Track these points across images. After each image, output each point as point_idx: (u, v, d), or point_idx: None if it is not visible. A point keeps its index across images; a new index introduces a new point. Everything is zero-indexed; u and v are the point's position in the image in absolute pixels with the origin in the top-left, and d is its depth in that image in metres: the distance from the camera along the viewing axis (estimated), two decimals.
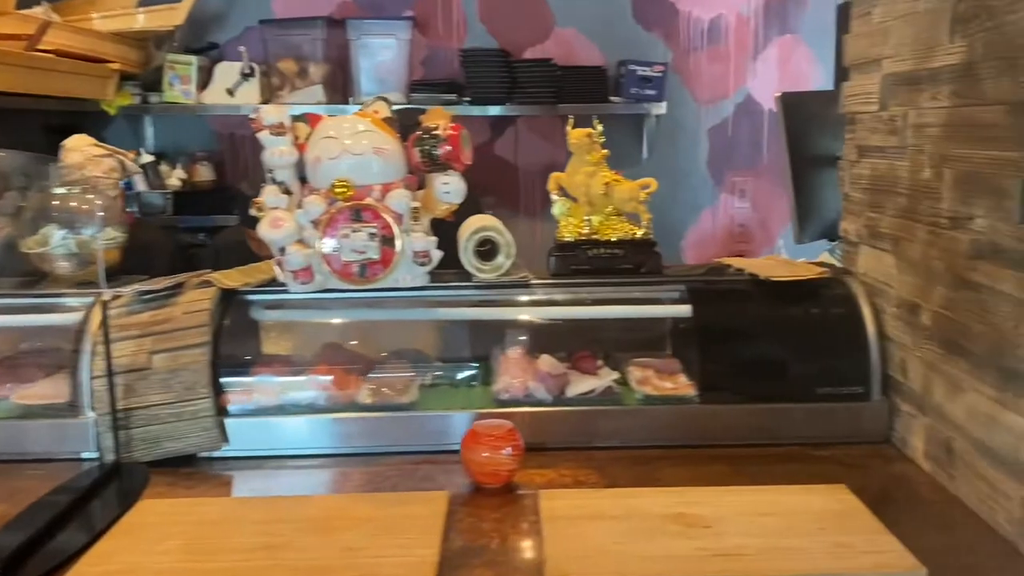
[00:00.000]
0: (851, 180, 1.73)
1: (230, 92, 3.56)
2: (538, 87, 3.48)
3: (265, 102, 3.51)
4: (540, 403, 1.58)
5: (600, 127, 1.78)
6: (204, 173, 3.72)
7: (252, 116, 1.67)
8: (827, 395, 1.57)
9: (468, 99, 3.52)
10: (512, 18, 3.75)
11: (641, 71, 3.40)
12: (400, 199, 1.60)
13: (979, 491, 1.27)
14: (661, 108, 3.55)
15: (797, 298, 1.63)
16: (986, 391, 1.24)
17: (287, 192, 1.68)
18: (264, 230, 1.62)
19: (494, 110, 3.55)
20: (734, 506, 1.29)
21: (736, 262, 1.77)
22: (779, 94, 2.19)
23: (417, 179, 1.69)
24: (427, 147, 1.63)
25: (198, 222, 3.56)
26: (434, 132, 1.64)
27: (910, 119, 1.48)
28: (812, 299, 1.64)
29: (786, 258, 1.81)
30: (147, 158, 3.54)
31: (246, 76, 3.54)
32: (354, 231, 1.59)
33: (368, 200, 1.60)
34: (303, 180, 1.66)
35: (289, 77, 3.57)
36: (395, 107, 1.78)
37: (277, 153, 1.67)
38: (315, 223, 1.61)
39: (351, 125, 1.65)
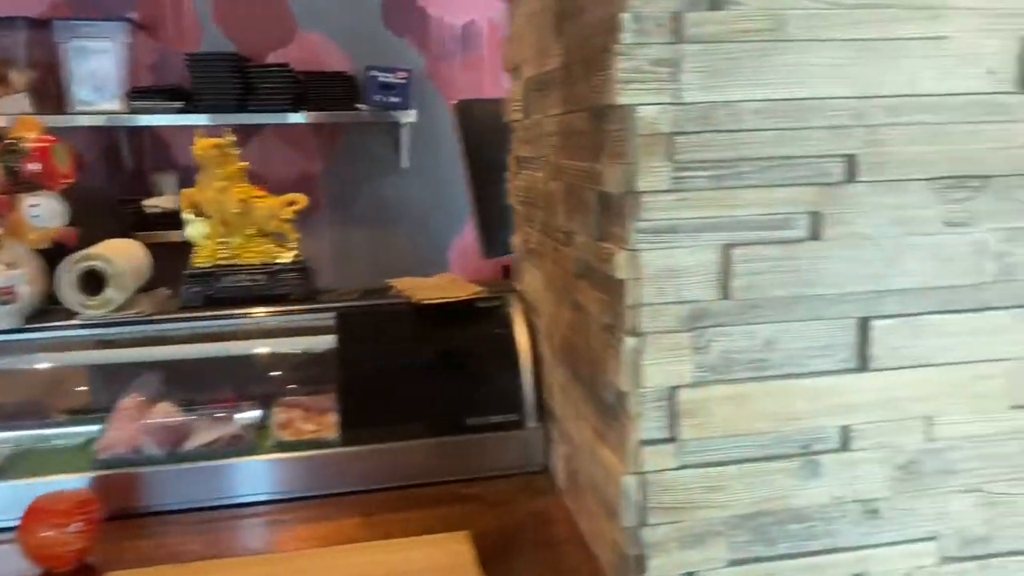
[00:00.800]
0: (514, 192, 1.63)
1: None
2: (276, 94, 3.25)
3: None
4: (151, 460, 1.36)
5: (232, 137, 1.57)
6: None
7: None
8: (480, 426, 1.44)
9: (197, 107, 3.24)
10: (250, 21, 3.49)
11: (383, 78, 3.24)
12: None
13: (593, 529, 1.17)
14: (410, 116, 3.40)
15: (452, 321, 1.50)
16: (591, 420, 1.15)
17: None
18: None
19: (229, 118, 3.27)
20: (336, 571, 1.12)
21: (400, 283, 1.62)
22: (455, 101, 2.08)
23: (8, 202, 1.43)
24: (8, 163, 1.38)
25: None
26: (17, 145, 1.39)
27: (543, 127, 1.38)
28: (467, 322, 1.51)
29: (455, 276, 1.68)
30: None
31: None
32: None
33: None
34: None
35: None
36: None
37: None
38: None
39: None
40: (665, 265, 0.96)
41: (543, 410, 1.46)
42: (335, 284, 1.73)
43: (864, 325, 1.01)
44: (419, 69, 3.60)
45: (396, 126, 3.53)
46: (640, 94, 0.93)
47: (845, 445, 1.03)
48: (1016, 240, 1.03)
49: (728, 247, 0.97)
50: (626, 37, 0.93)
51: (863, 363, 1.02)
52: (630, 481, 0.99)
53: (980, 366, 1.04)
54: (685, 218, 0.96)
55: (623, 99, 0.93)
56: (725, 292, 0.98)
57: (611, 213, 1.01)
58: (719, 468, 1.00)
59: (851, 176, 0.98)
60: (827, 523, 1.04)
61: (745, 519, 1.02)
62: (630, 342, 0.97)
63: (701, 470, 1.00)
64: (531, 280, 1.53)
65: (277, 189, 3.81)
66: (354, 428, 1.42)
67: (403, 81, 3.26)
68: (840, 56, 0.96)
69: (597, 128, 1.04)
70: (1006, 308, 1.03)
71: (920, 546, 1.06)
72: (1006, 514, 1.07)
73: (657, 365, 0.97)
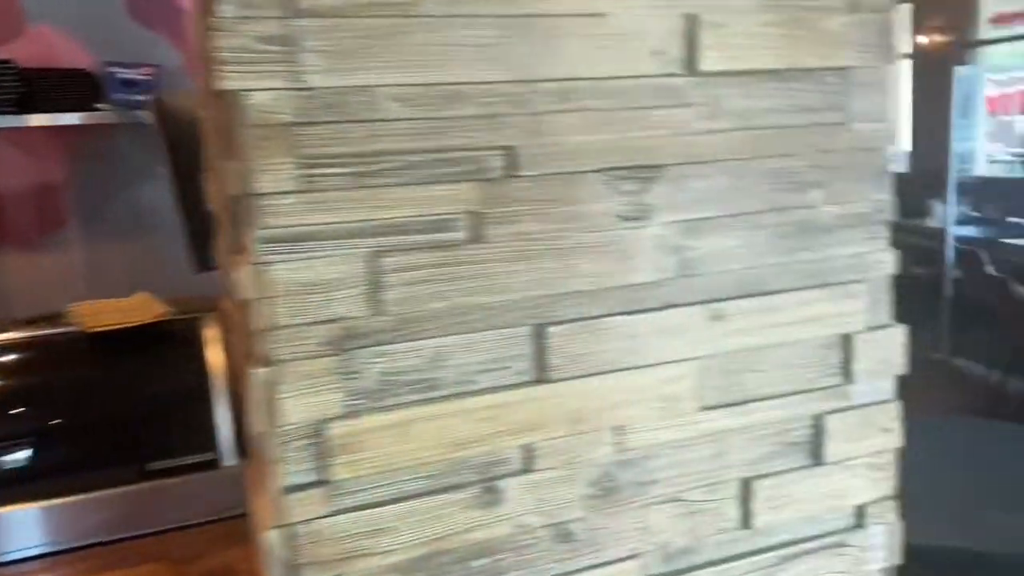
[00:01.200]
0: (212, 196, 1.44)
1: None
2: None
3: None
4: None
5: None
6: None
7: None
8: (167, 470, 1.25)
9: None
10: None
11: (123, 74, 2.92)
12: None
13: None
14: None
15: (134, 350, 1.30)
16: (250, 463, 0.99)
17: None
18: None
19: None
20: None
21: (81, 307, 1.39)
22: (155, 97, 1.88)
23: None
24: None
25: None
26: None
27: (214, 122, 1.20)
28: (154, 349, 1.31)
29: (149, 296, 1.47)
30: None
31: None
32: None
33: None
34: None
35: None
36: None
37: None
38: None
39: None
40: (301, 279, 0.82)
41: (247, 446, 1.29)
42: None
43: (540, 333, 0.91)
44: (177, 65, 3.30)
45: (146, 127, 3.21)
46: (249, 77, 0.78)
47: (529, 466, 0.93)
48: (694, 233, 0.97)
49: (377, 255, 0.85)
50: (226, 10, 0.77)
51: (542, 374, 0.92)
52: (274, 536, 0.84)
53: (667, 368, 0.97)
54: (322, 224, 0.82)
55: (229, 83, 0.78)
56: (378, 307, 0.85)
57: (236, 220, 0.85)
58: (381, 509, 0.87)
59: (512, 170, 0.88)
60: (517, 553, 0.94)
61: (419, 561, 0.90)
62: (262, 374, 0.82)
63: (360, 513, 0.86)
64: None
65: (12, 201, 3.41)
66: (5, 486, 1.18)
67: (147, 78, 2.96)
68: (487, 35, 0.85)
69: (221, 120, 0.88)
70: (689, 305, 0.97)
71: (621, 566, 0.99)
72: (706, 522, 1.02)
73: (298, 398, 0.83)
